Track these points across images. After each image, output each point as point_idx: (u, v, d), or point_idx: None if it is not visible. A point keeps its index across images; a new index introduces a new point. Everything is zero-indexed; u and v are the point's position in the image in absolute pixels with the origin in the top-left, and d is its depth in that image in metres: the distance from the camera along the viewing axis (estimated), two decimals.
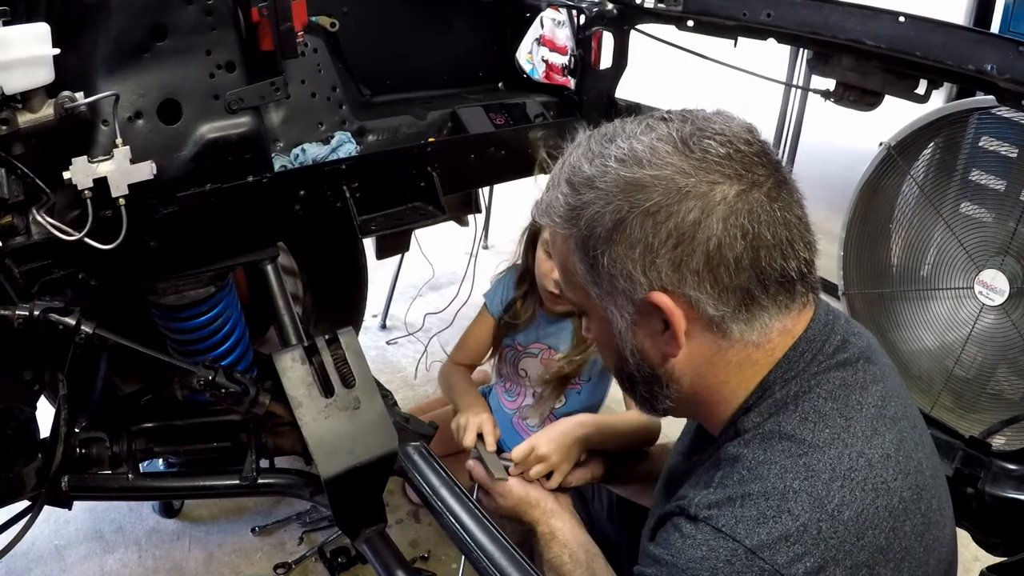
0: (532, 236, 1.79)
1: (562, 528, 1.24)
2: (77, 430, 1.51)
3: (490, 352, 1.99)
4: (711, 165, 0.78)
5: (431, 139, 1.79)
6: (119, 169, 1.19)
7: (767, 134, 0.87)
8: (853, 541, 0.75)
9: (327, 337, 1.37)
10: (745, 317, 0.81)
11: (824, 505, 0.76)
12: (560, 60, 2.02)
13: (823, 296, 0.91)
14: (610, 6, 1.92)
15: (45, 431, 1.42)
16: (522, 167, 1.86)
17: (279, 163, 1.53)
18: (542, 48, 2.11)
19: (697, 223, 0.77)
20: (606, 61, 2.01)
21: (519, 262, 1.87)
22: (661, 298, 0.80)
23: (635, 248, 0.79)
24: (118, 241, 1.21)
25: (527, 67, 2.09)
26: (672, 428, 1.48)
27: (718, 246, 0.77)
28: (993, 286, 1.64)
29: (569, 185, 0.85)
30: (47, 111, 1.13)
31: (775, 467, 0.78)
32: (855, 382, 0.84)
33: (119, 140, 1.19)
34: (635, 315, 0.84)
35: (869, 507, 0.77)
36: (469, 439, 1.57)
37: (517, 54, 2.09)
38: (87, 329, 1.25)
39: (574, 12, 1.93)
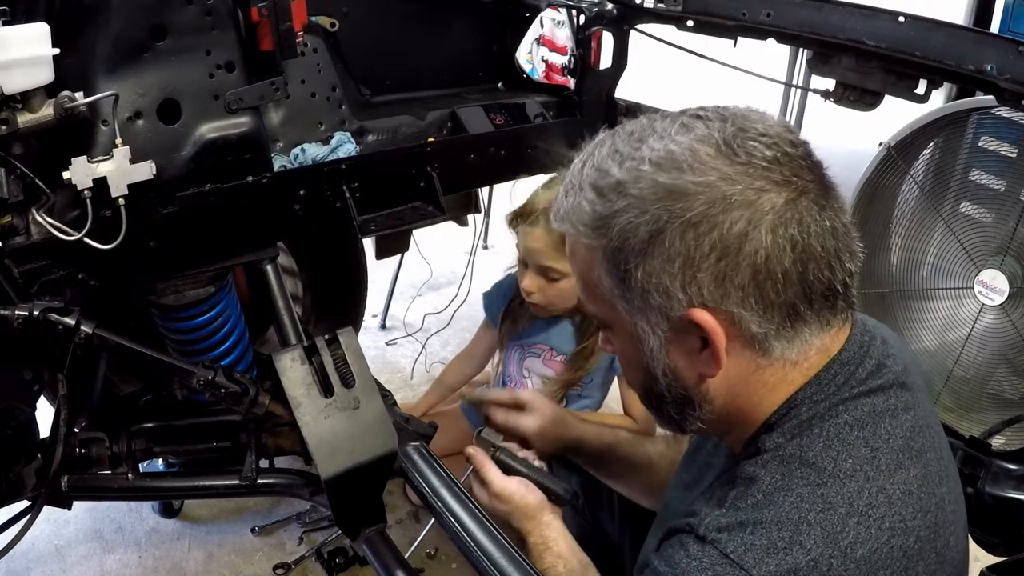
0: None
1: (556, 539, 1.19)
2: (77, 430, 1.51)
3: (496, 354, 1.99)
4: (758, 170, 0.73)
5: (431, 139, 1.79)
6: (119, 169, 1.19)
7: None
8: None
9: (327, 337, 1.37)
10: (788, 334, 0.77)
11: (837, 541, 0.73)
12: (560, 60, 2.01)
13: None
14: (610, 6, 1.92)
15: (45, 431, 1.42)
16: (522, 167, 1.86)
17: (279, 163, 1.53)
18: (542, 48, 2.11)
19: (744, 235, 0.72)
20: (606, 61, 2.01)
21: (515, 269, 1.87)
22: (702, 315, 0.75)
23: (674, 262, 0.74)
24: (118, 241, 1.21)
25: (527, 67, 2.09)
26: None
27: (766, 259, 0.73)
28: (993, 286, 1.64)
29: (595, 190, 0.78)
30: (47, 111, 1.13)
31: (791, 495, 0.75)
32: (886, 409, 0.81)
33: (119, 140, 1.19)
34: (670, 332, 0.78)
35: (883, 547, 0.74)
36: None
37: (517, 54, 2.09)
38: (87, 329, 1.25)
39: (574, 12, 1.93)
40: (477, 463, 1.28)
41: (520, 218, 1.69)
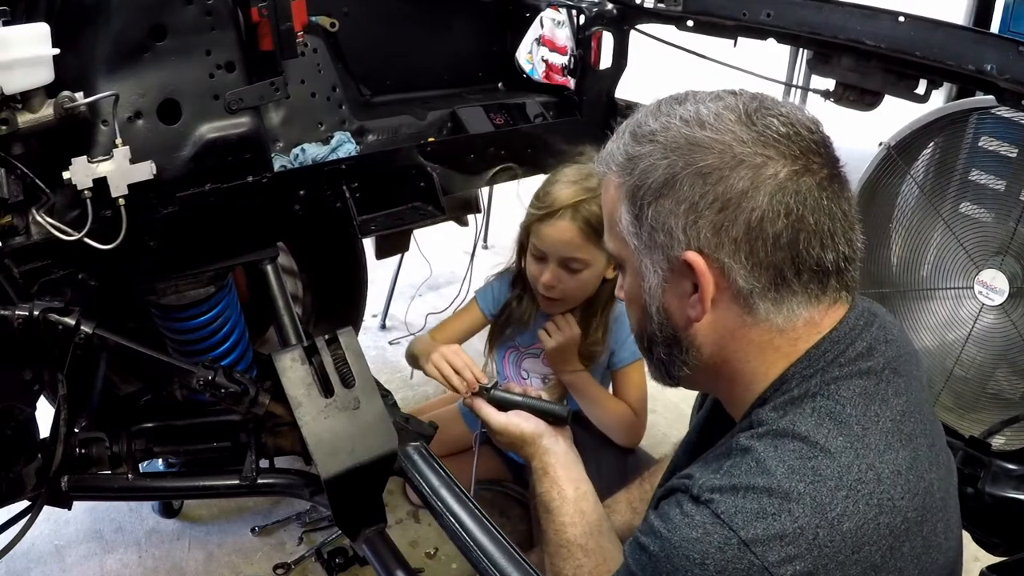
0: (523, 242, 1.79)
1: (554, 464, 1.26)
2: (77, 430, 1.51)
3: (489, 354, 1.99)
4: (769, 141, 0.80)
5: (431, 139, 1.79)
6: (119, 169, 1.19)
7: None
8: (847, 553, 0.74)
9: (327, 337, 1.37)
10: (773, 297, 0.82)
11: (825, 512, 0.75)
12: (560, 60, 2.02)
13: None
14: (610, 6, 1.92)
15: (45, 431, 1.42)
16: (522, 167, 1.86)
17: (279, 163, 1.53)
18: (542, 48, 2.11)
19: (744, 192, 0.79)
20: (606, 61, 2.01)
21: (513, 266, 1.87)
22: (695, 258, 0.81)
23: (681, 205, 0.82)
24: (118, 241, 1.21)
25: (527, 67, 2.09)
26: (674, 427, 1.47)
27: (760, 219, 0.79)
28: (993, 286, 1.64)
29: (632, 136, 0.87)
30: (47, 111, 1.13)
31: (783, 466, 0.78)
32: (876, 392, 0.84)
33: (119, 140, 1.19)
34: (667, 272, 0.85)
35: (871, 522, 0.76)
36: (454, 376, 1.50)
37: (517, 54, 2.09)
38: (87, 329, 1.26)
39: (574, 12, 1.93)
40: (475, 409, 1.38)
41: (546, 217, 1.68)
